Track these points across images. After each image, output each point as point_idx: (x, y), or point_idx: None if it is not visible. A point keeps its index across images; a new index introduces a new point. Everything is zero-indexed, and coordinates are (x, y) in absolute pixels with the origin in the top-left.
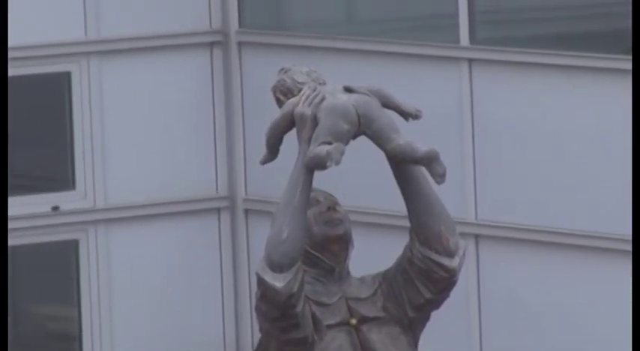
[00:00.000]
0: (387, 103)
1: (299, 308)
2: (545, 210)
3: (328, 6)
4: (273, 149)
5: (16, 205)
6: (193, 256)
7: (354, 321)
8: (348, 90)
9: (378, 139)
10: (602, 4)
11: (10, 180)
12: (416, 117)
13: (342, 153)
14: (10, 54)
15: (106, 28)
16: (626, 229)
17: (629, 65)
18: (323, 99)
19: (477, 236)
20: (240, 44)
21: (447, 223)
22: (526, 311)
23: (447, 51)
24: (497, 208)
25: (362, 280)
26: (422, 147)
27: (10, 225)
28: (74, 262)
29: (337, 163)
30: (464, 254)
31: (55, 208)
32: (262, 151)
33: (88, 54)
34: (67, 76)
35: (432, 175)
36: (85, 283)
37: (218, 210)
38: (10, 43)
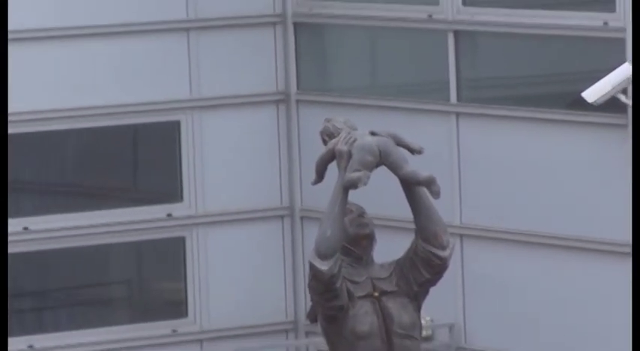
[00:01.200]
0: (399, 142)
1: (338, 284)
2: (516, 215)
3: (360, 74)
4: (320, 175)
5: (145, 212)
6: (264, 249)
7: (376, 294)
8: (373, 133)
9: (394, 168)
10: (560, 73)
11: (143, 195)
12: (419, 152)
13: (368, 178)
14: (135, 108)
15: (205, 87)
16: (604, 233)
17: (582, 118)
18: (355, 140)
19: (461, 235)
20: (298, 102)
21: (441, 226)
22: (499, 287)
23: (440, 106)
24: (476, 216)
25: (382, 265)
26: (423, 173)
27: (141, 225)
28: (182, 255)
29: (365, 184)
30: (452, 248)
31: (169, 215)
32: (313, 175)
33: (192, 108)
34: (177, 124)
35: (431, 193)
36: (190, 268)
37: (282, 217)
38: (135, 99)
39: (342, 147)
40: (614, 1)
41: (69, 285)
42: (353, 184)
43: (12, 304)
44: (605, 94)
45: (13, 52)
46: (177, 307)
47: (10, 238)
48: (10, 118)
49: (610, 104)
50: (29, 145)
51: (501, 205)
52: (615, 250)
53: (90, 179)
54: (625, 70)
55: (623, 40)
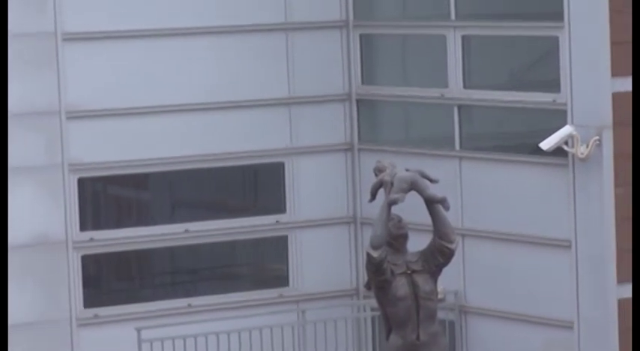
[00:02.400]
0: (423, 175)
1: (384, 266)
2: (499, 222)
3: (400, 132)
4: (373, 196)
5: (262, 219)
6: (338, 243)
7: (409, 272)
8: (407, 170)
9: (420, 192)
10: (525, 131)
11: (260, 209)
12: (436, 181)
13: (404, 198)
14: (257, 153)
15: (301, 137)
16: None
17: (538, 160)
18: (395, 174)
19: (463, 235)
20: (359, 150)
21: (450, 229)
22: (486, 268)
23: (448, 152)
24: (472, 222)
25: (412, 253)
26: (439, 195)
27: (259, 228)
28: (285, 247)
29: (401, 202)
30: (457, 242)
31: (277, 221)
32: (368, 196)
33: (291, 154)
34: (282, 164)
35: (444, 207)
36: (290, 255)
37: (349, 223)
38: (259, 147)
39: (387, 178)
40: (559, 85)
41: (213, 265)
42: (394, 202)
43: (179, 277)
44: (554, 145)
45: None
46: (282, 280)
47: (175, 237)
48: (175, 160)
49: (557, 151)
50: (186, 175)
51: (491, 217)
52: (555, 244)
53: (228, 199)
54: (566, 129)
55: (565, 111)
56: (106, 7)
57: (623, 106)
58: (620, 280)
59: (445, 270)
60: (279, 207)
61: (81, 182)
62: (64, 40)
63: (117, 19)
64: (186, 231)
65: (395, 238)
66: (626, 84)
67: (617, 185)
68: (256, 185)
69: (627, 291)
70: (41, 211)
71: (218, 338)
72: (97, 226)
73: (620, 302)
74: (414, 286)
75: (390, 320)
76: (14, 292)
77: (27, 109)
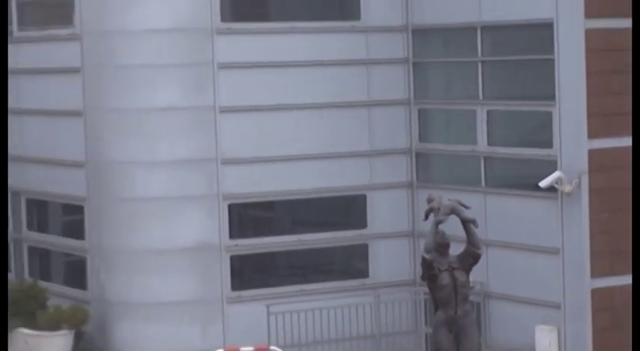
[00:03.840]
0: (460, 203)
1: (433, 264)
2: (509, 235)
3: (444, 174)
4: (426, 217)
5: (348, 232)
6: (401, 248)
7: (450, 268)
8: (449, 199)
9: (458, 214)
10: (526, 175)
11: (349, 225)
12: (468, 207)
13: (447, 219)
14: (349, 187)
15: (377, 174)
16: None
17: (535, 194)
18: (441, 202)
19: (487, 245)
20: (417, 187)
21: (478, 240)
22: (501, 267)
23: (475, 188)
24: (494, 235)
25: (453, 256)
26: (470, 216)
27: (347, 239)
28: (366, 252)
29: (445, 222)
30: (483, 249)
31: (360, 234)
32: (422, 217)
33: (370, 189)
34: (365, 196)
35: (474, 226)
36: (370, 257)
37: (410, 236)
38: (349, 183)
39: (435, 205)
40: (552, 144)
41: (318, 263)
42: (440, 222)
43: (295, 271)
44: (548, 184)
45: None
46: (363, 273)
47: (292, 243)
48: (294, 192)
49: (550, 188)
50: (301, 202)
51: (505, 232)
52: (549, 251)
53: (329, 218)
54: (556, 174)
55: (555, 162)
56: (254, 86)
57: (595, 158)
58: (593, 276)
59: (474, 267)
60: (363, 224)
61: (230, 207)
62: (221, 111)
63: (258, 95)
64: (299, 240)
65: (440, 245)
66: (598, 143)
67: (591, 211)
68: (348, 209)
69: (598, 283)
70: (204, 226)
71: (321, 313)
72: (240, 236)
73: (593, 291)
74: (453, 278)
75: (437, 301)
76: (185, 279)
77: (194, 157)
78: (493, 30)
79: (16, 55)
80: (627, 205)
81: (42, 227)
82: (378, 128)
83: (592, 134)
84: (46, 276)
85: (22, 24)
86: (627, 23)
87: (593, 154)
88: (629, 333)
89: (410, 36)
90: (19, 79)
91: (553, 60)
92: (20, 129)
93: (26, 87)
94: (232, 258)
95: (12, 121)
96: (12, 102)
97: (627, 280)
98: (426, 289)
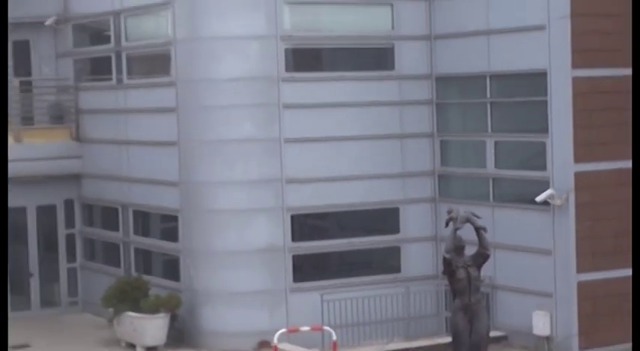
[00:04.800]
0: (474, 214)
1: (452, 262)
2: (512, 239)
3: (459, 190)
4: (446, 225)
5: (386, 238)
6: (428, 250)
7: (465, 266)
8: (465, 211)
9: (472, 223)
10: (528, 192)
11: (384, 231)
12: (480, 217)
13: (463, 226)
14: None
15: (405, 193)
16: None
17: (533, 207)
18: (458, 213)
19: (495, 247)
20: (439, 201)
21: (488, 243)
22: (504, 263)
23: (485, 202)
24: (501, 239)
25: (467, 256)
26: (482, 224)
27: (384, 242)
28: (398, 252)
29: (461, 228)
30: (491, 250)
31: (395, 239)
32: (443, 224)
33: (402, 203)
34: (398, 209)
35: (484, 231)
36: (402, 255)
37: (434, 240)
38: (381, 198)
39: (454, 215)
40: (546, 167)
41: (361, 261)
42: (458, 228)
43: (343, 267)
44: (543, 199)
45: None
46: (396, 269)
47: (342, 245)
48: (344, 206)
49: (545, 202)
50: (350, 213)
51: (509, 237)
52: (544, 251)
53: (371, 225)
54: (549, 191)
55: (548, 182)
56: (311, 121)
57: (580, 179)
58: (578, 271)
59: (484, 265)
60: (396, 230)
61: (292, 217)
62: (285, 142)
63: (314, 129)
64: (346, 243)
65: (458, 247)
66: (582, 167)
67: (576, 220)
68: (385, 219)
69: (582, 277)
70: (271, 232)
71: (363, 300)
72: (300, 239)
73: (578, 283)
74: (468, 273)
75: (455, 291)
76: (256, 274)
77: (264, 178)
78: (499, 78)
79: (125, 98)
80: (606, 216)
81: (145, 233)
82: (409, 155)
83: (577, 160)
84: (147, 271)
85: (130, 73)
86: (606, 72)
87: (578, 175)
88: (608, 317)
89: (434, 82)
90: (128, 116)
91: (546, 101)
92: (128, 156)
93: (133, 123)
94: (294, 257)
95: (121, 150)
96: (121, 135)
97: (606, 274)
98: (446, 281)
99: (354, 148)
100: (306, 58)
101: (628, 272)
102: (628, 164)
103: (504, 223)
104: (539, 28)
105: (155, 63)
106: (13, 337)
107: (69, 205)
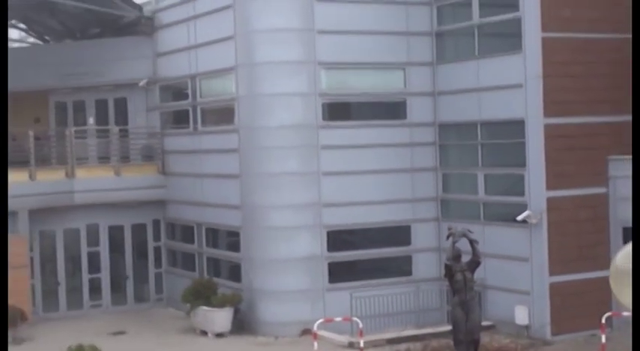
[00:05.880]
0: (468, 230)
1: (452, 268)
2: (498, 249)
3: (456, 212)
4: (447, 238)
5: (400, 249)
6: (432, 258)
7: (462, 270)
8: (461, 228)
9: (467, 237)
10: (506, 213)
11: (398, 243)
12: (472, 232)
13: (460, 240)
14: None
15: (415, 214)
16: None
17: (514, 224)
18: (456, 229)
19: (485, 256)
20: (442, 220)
21: (479, 253)
22: (493, 270)
23: (477, 221)
24: (489, 249)
25: (463, 262)
26: (474, 237)
27: (398, 252)
28: (410, 261)
29: (458, 241)
30: (482, 258)
31: (407, 248)
32: (444, 238)
33: (412, 221)
34: (409, 227)
35: (476, 243)
36: (413, 261)
37: (437, 250)
38: (395, 218)
39: (453, 231)
40: (524, 193)
41: (380, 267)
42: (456, 241)
43: (369, 271)
44: (523, 218)
45: None
46: (408, 272)
47: (365, 254)
48: (368, 224)
49: (524, 221)
50: (371, 229)
51: (496, 247)
52: (522, 258)
53: (386, 238)
54: (527, 212)
55: (526, 205)
56: (343, 159)
57: (551, 203)
58: (550, 275)
59: (477, 270)
60: (408, 242)
61: (328, 233)
62: (323, 174)
63: (345, 164)
64: (372, 252)
65: (456, 256)
66: (553, 193)
67: (548, 235)
68: (399, 234)
69: (553, 279)
70: (311, 244)
71: (383, 297)
72: (334, 250)
73: (550, 284)
74: (464, 276)
75: (454, 290)
76: (300, 276)
77: (306, 202)
78: (487, 125)
79: (199, 141)
80: (571, 231)
81: (214, 245)
82: (417, 185)
83: (549, 188)
84: (216, 274)
85: (203, 123)
86: (570, 120)
87: (549, 200)
88: (573, 310)
89: (437, 128)
90: (201, 155)
91: (524, 143)
92: (201, 186)
93: (205, 160)
94: (329, 264)
95: (196, 181)
96: (196, 169)
97: (572, 277)
98: (446, 282)
99: (375, 179)
100: (338, 110)
101: (589, 275)
102: (588, 191)
103: (492, 237)
104: (518, 86)
105: (223, 114)
106: (114, 326)
107: (156, 224)
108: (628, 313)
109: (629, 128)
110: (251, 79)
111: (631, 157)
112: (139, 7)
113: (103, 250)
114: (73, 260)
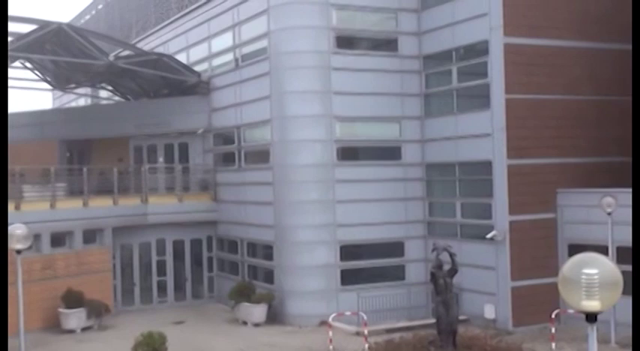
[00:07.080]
0: (449, 245)
1: (436, 275)
2: (472, 260)
3: (441, 231)
4: (432, 251)
5: (395, 260)
6: (420, 268)
7: (444, 277)
8: (444, 244)
9: (447, 250)
10: (478, 226)
11: (395, 255)
12: (451, 247)
13: (442, 253)
14: None
15: (407, 233)
16: None
17: (486, 242)
18: (440, 244)
19: (461, 265)
20: (428, 237)
21: (457, 263)
22: (471, 277)
23: (455, 238)
24: (464, 260)
25: (445, 270)
26: (453, 251)
27: (395, 262)
28: (403, 270)
29: (441, 254)
30: (459, 266)
31: (401, 259)
32: (430, 251)
33: (406, 238)
34: (403, 243)
35: (454, 256)
36: (406, 266)
37: (425, 261)
38: (390, 235)
39: (437, 246)
40: (492, 216)
41: (379, 274)
42: (439, 254)
43: (367, 277)
44: (491, 236)
45: None
46: (401, 277)
47: (366, 263)
48: (372, 240)
49: (492, 238)
50: (374, 244)
51: (471, 259)
52: (490, 268)
53: (386, 252)
54: (494, 231)
55: (493, 227)
56: (353, 190)
57: (513, 225)
58: (512, 280)
59: (455, 276)
60: (402, 255)
61: (341, 247)
62: (337, 202)
63: (355, 194)
64: (375, 262)
65: (439, 266)
66: (514, 217)
67: (511, 249)
68: (395, 248)
69: (514, 283)
70: (328, 255)
71: (382, 297)
72: (345, 260)
73: (512, 287)
74: (445, 281)
75: (437, 292)
76: (319, 280)
77: (324, 223)
78: (463, 165)
79: (243, 176)
80: (528, 246)
81: (253, 255)
82: (409, 210)
83: (511, 213)
84: (255, 278)
85: (246, 162)
86: (527, 161)
87: (512, 222)
88: (530, 308)
89: (424, 167)
90: (245, 187)
91: (492, 179)
92: (245, 210)
93: (247, 191)
94: (341, 270)
95: (240, 206)
96: (241, 198)
97: (528, 282)
98: (431, 286)
99: (377, 206)
100: (349, 153)
101: (542, 281)
102: (541, 216)
103: (467, 251)
104: (487, 135)
105: (261, 155)
106: (176, 317)
107: (209, 239)
108: (572, 310)
109: (574, 167)
110: (282, 128)
111: (575, 189)
112: (198, 74)
113: (169, 258)
114: (145, 266)
